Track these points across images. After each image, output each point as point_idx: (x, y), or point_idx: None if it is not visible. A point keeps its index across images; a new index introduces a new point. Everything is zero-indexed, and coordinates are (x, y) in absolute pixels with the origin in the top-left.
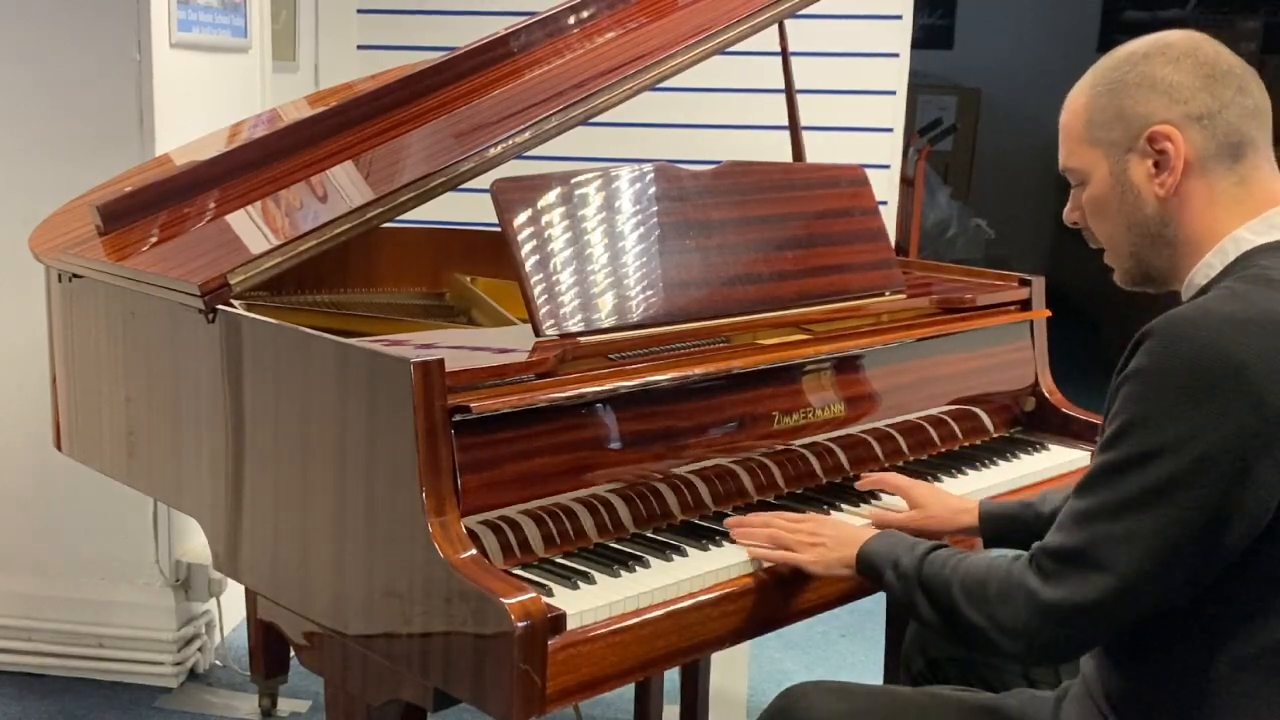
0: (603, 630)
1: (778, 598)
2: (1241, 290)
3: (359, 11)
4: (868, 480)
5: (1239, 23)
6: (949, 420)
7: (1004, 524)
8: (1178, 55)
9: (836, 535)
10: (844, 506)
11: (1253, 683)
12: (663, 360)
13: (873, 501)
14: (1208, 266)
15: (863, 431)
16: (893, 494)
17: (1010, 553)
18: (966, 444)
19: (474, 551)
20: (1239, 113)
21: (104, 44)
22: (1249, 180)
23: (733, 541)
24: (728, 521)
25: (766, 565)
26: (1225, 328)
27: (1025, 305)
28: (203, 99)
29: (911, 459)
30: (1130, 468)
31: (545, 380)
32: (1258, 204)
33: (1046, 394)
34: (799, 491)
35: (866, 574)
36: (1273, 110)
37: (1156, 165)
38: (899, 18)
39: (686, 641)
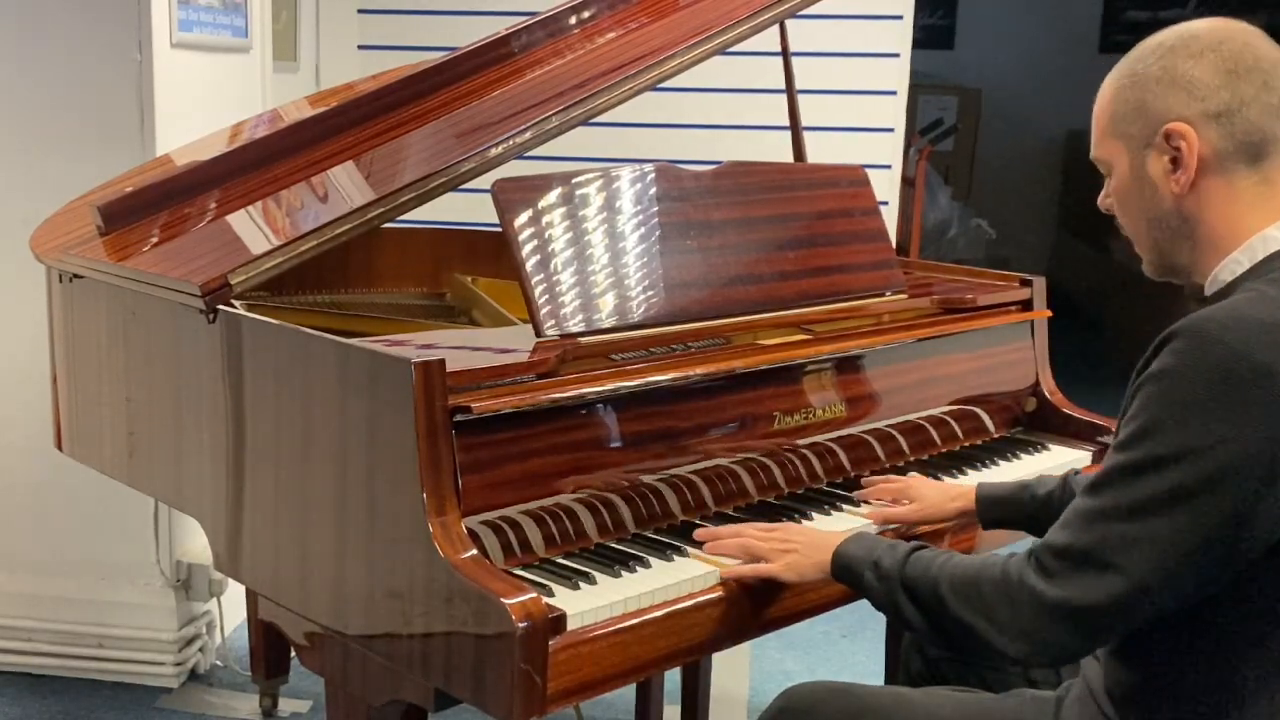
0: (604, 630)
1: (779, 598)
2: (1272, 294)
3: (360, 11)
4: (865, 493)
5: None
6: (950, 420)
7: (1001, 507)
8: (1201, 49)
9: (809, 541)
10: (845, 507)
11: (1258, 686)
12: (663, 360)
13: (873, 501)
14: (1235, 263)
15: (864, 432)
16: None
17: (1001, 553)
18: (967, 444)
19: (475, 552)
20: (1261, 110)
21: (104, 44)
22: (1273, 179)
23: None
24: (698, 533)
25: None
26: (1256, 332)
27: (1026, 305)
28: (203, 99)
29: (912, 459)
30: (1149, 470)
31: (546, 380)
32: None
33: (1047, 394)
34: (800, 492)
35: (842, 578)
36: None
37: (1173, 162)
38: (899, 18)
39: (687, 641)
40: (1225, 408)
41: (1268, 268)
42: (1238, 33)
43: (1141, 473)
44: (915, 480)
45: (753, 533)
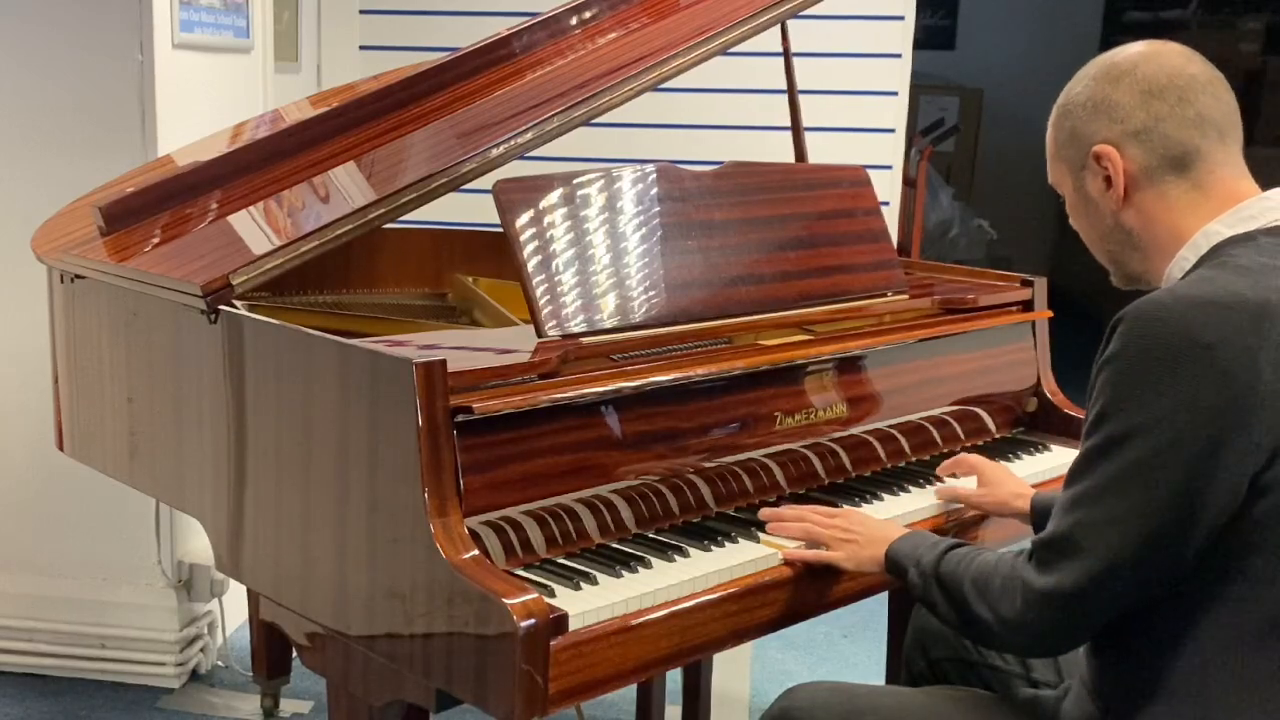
0: (605, 631)
1: (779, 599)
2: (1208, 275)
3: (361, 12)
4: (946, 465)
5: (1241, 23)
6: (951, 421)
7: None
8: (1119, 75)
9: (868, 533)
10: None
11: (1234, 664)
12: (665, 361)
13: (940, 481)
14: (1183, 260)
15: (865, 432)
16: (967, 474)
17: (1018, 548)
18: (969, 444)
19: (476, 552)
20: (1178, 124)
21: (106, 44)
22: (1204, 185)
23: (734, 541)
24: (763, 513)
25: (777, 564)
26: (1191, 310)
27: (1027, 306)
28: (205, 100)
29: (914, 459)
30: (1107, 452)
31: (547, 381)
32: (1219, 205)
33: (1048, 394)
34: (801, 492)
35: (893, 572)
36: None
37: (1106, 180)
38: (901, 18)
39: (689, 642)
40: (1167, 383)
41: (1213, 257)
42: (1155, 55)
43: (1102, 455)
44: (994, 469)
45: (815, 517)
